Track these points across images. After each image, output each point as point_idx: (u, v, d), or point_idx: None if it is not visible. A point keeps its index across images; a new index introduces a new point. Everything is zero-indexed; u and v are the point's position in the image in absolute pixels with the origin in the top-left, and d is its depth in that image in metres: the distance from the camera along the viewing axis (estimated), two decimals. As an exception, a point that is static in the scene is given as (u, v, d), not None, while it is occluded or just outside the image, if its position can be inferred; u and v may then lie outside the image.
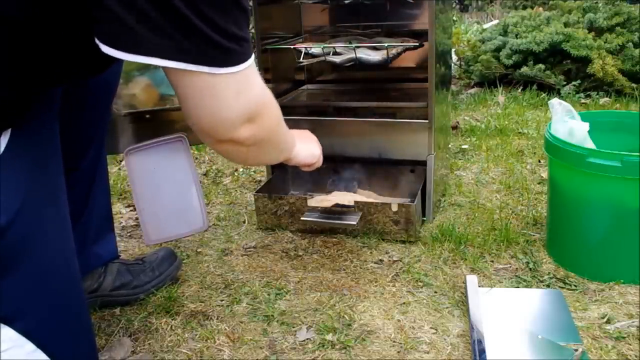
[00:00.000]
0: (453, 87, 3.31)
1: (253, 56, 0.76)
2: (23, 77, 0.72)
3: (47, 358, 0.76)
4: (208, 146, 0.99)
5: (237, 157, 0.90)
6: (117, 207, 1.85)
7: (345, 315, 1.22)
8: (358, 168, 1.69)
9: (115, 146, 1.39)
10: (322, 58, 1.66)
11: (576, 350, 1.06)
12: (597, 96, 2.90)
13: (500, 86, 3.17)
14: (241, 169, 2.16)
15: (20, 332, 0.74)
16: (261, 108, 0.82)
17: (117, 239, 1.51)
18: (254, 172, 2.13)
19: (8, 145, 0.73)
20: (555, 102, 1.39)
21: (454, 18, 5.37)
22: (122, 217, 1.79)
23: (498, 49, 3.24)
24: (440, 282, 1.33)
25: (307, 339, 1.16)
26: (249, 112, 0.79)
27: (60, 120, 0.87)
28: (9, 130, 0.73)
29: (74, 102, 1.00)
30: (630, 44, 2.90)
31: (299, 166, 1.27)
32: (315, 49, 1.67)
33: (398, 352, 1.11)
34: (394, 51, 1.63)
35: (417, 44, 1.60)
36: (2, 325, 0.72)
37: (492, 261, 1.41)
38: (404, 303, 1.26)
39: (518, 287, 1.30)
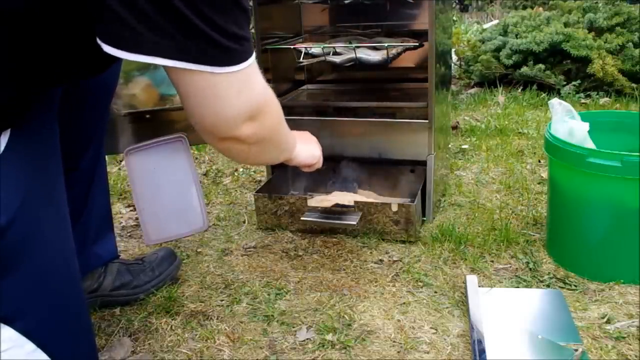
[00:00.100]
0: (453, 87, 3.31)
1: (254, 55, 0.76)
2: (23, 77, 0.72)
3: (47, 358, 0.76)
4: (210, 145, 0.99)
5: (239, 155, 0.90)
6: (117, 207, 1.85)
7: (345, 315, 1.22)
8: (358, 168, 1.69)
9: (115, 146, 1.39)
10: (322, 58, 1.66)
11: (576, 350, 1.06)
12: (597, 96, 2.90)
13: (500, 86, 3.17)
14: (241, 169, 2.16)
15: (20, 332, 0.74)
16: (263, 106, 0.82)
17: (117, 239, 1.51)
18: (254, 172, 2.13)
19: (8, 145, 0.73)
20: (555, 102, 1.39)
21: (454, 18, 5.37)
22: (122, 217, 1.79)
23: (498, 49, 3.24)
24: (440, 282, 1.33)
25: (307, 339, 1.16)
26: (251, 110, 0.79)
27: (59, 120, 0.87)
28: (9, 130, 0.73)
29: (74, 102, 1.00)
30: (630, 44, 2.90)
31: (299, 167, 1.27)
32: (315, 49, 1.67)
33: (398, 352, 1.11)
34: (394, 51, 1.63)
35: (417, 44, 1.60)
36: (2, 325, 0.72)
37: (492, 261, 1.41)
38: (404, 303, 1.26)
39: (518, 287, 1.30)
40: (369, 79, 1.99)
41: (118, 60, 0.69)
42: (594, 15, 3.07)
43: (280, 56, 1.76)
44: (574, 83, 2.96)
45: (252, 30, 1.60)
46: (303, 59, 1.69)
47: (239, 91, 0.75)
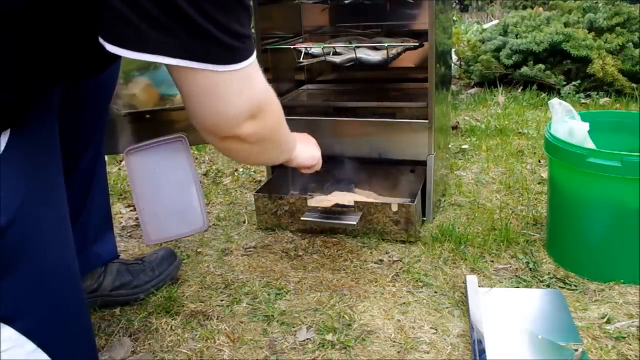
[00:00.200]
0: (453, 87, 3.31)
1: (255, 53, 0.76)
2: (23, 77, 0.72)
3: (47, 358, 0.76)
4: (211, 144, 1.00)
5: (240, 155, 0.90)
6: (117, 207, 1.85)
7: (345, 315, 1.22)
8: (357, 168, 1.69)
9: (115, 146, 1.39)
10: (322, 58, 1.66)
11: (576, 350, 1.06)
12: (597, 96, 2.90)
13: (500, 86, 3.17)
14: (241, 169, 2.16)
15: (20, 331, 0.74)
16: (264, 105, 0.82)
17: (117, 239, 1.51)
18: (254, 172, 2.13)
19: (8, 145, 0.73)
20: (555, 102, 1.39)
21: (454, 18, 5.37)
22: (122, 217, 1.79)
23: (498, 49, 3.24)
24: (440, 282, 1.33)
25: (307, 339, 1.16)
26: (252, 108, 0.79)
27: (59, 120, 0.87)
28: (9, 130, 0.73)
29: (73, 102, 1.00)
30: (630, 44, 2.90)
31: (298, 168, 1.27)
32: (315, 49, 1.67)
33: (398, 352, 1.11)
34: (394, 51, 1.62)
35: (417, 44, 1.60)
36: (2, 325, 0.72)
37: (492, 261, 1.41)
38: (404, 303, 1.26)
39: (518, 287, 1.30)
40: (369, 79, 1.99)
41: (117, 59, 0.69)
42: (594, 15, 3.07)
43: (280, 56, 1.76)
44: (574, 83, 2.96)
45: (252, 30, 1.60)
46: (303, 59, 1.69)
47: (240, 89, 0.75)
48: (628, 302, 1.22)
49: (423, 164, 1.60)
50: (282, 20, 1.86)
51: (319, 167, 1.32)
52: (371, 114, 1.70)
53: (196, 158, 2.30)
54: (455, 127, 2.51)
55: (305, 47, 1.67)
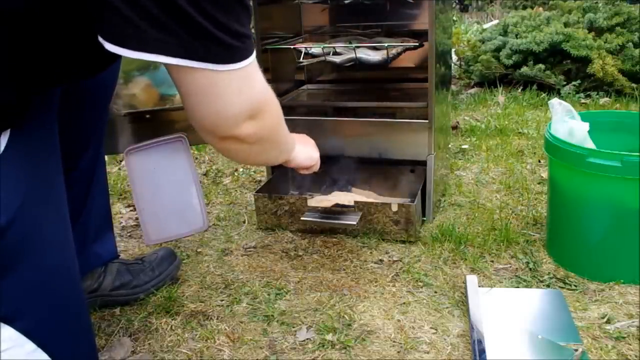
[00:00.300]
0: (453, 87, 3.31)
1: (255, 53, 0.76)
2: (23, 77, 0.72)
3: (47, 358, 0.76)
4: (210, 145, 1.00)
5: (239, 155, 0.90)
6: (117, 207, 1.85)
7: (345, 315, 1.22)
8: (357, 168, 1.69)
9: (115, 146, 1.39)
10: (322, 58, 1.66)
11: (576, 350, 1.06)
12: (597, 96, 2.90)
13: (500, 86, 3.17)
14: (241, 169, 2.16)
15: (20, 331, 0.74)
16: (263, 105, 0.82)
17: (117, 239, 1.51)
18: (254, 172, 2.13)
19: (8, 145, 0.73)
20: (555, 102, 1.39)
21: (454, 18, 5.37)
22: (122, 217, 1.79)
23: (498, 49, 3.24)
24: (440, 282, 1.33)
25: (307, 339, 1.16)
26: (251, 108, 0.79)
27: (59, 120, 0.87)
28: (9, 130, 0.73)
29: (73, 102, 1.00)
30: (630, 44, 2.90)
31: (296, 169, 1.27)
32: (315, 49, 1.67)
33: (398, 352, 1.11)
34: (394, 51, 1.63)
35: (417, 44, 1.60)
36: (2, 324, 0.72)
37: (492, 261, 1.41)
38: (404, 303, 1.26)
39: (518, 287, 1.30)
40: (369, 79, 1.99)
41: (117, 59, 0.68)
42: (594, 15, 3.07)
43: (280, 56, 1.76)
44: (574, 83, 2.96)
45: (252, 30, 1.60)
46: (303, 59, 1.69)
47: (240, 89, 0.75)
48: (628, 302, 1.22)
49: (423, 164, 1.60)
50: (282, 20, 1.86)
51: (317, 168, 1.32)
52: (371, 114, 1.70)
53: (196, 158, 2.30)
54: (455, 127, 2.51)
55: (305, 47, 1.67)
